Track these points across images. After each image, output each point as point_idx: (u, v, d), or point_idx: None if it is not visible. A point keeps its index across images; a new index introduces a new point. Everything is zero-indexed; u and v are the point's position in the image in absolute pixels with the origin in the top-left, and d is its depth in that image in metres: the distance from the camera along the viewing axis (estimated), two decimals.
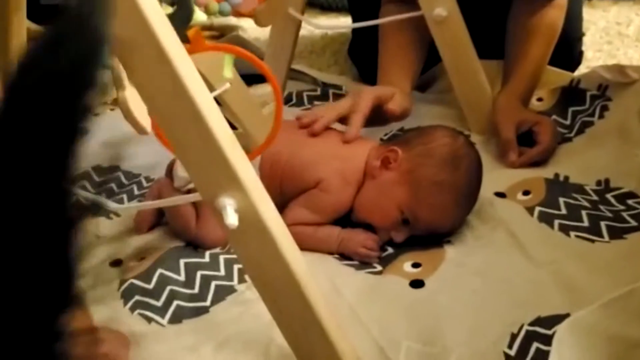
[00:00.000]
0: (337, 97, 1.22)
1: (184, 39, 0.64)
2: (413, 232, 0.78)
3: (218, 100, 0.77)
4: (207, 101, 0.52)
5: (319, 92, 1.24)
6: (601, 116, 0.98)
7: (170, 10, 0.65)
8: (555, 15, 1.06)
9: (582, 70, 1.24)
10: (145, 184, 0.97)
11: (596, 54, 1.36)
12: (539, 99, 1.09)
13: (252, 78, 0.94)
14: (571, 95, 1.05)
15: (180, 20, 0.65)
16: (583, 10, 1.24)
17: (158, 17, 0.49)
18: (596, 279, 0.69)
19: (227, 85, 0.77)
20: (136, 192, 0.96)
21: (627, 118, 0.94)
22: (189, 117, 0.50)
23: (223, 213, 0.51)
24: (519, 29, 1.07)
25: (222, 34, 1.49)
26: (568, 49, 1.16)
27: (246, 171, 0.53)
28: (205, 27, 1.42)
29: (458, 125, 1.06)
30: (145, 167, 1.00)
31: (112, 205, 0.82)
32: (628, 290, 0.64)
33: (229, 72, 0.70)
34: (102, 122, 1.07)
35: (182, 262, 0.76)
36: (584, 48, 1.27)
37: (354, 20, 1.35)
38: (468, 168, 0.79)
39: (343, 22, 1.74)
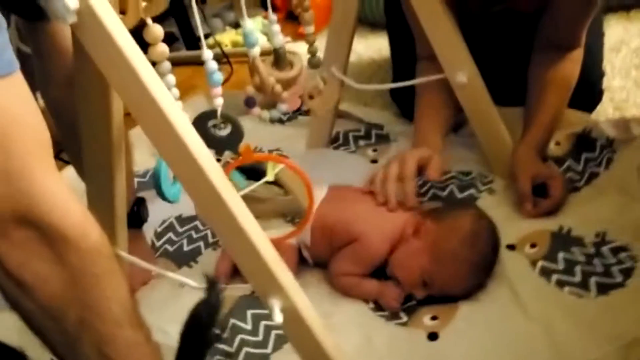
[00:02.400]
0: (379, 137, 1.39)
1: (237, 153, 0.83)
2: (431, 293, 0.95)
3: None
4: (253, 225, 0.71)
5: (362, 133, 1.41)
6: (606, 167, 1.11)
7: (227, 132, 0.84)
8: (570, 68, 1.18)
9: (605, 103, 1.35)
10: None
11: (622, 81, 1.44)
12: (557, 143, 1.22)
13: None
14: (584, 142, 1.18)
15: (235, 139, 0.84)
16: (617, 25, 1.31)
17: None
18: (580, 335, 0.85)
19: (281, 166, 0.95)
20: (210, 239, 1.17)
21: (627, 173, 1.07)
22: (241, 239, 0.69)
23: (272, 313, 0.71)
24: (537, 80, 1.19)
25: None
26: (589, 90, 1.28)
27: (288, 278, 0.72)
28: None
29: (484, 168, 1.22)
30: None
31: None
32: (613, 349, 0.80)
33: (271, 176, 0.88)
34: None
35: (249, 313, 0.97)
36: (611, 71, 1.36)
37: (391, 40, 1.49)
38: (485, 247, 0.95)
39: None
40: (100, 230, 0.64)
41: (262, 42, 0.88)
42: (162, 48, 0.69)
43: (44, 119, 0.61)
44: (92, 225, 0.63)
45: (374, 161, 1.32)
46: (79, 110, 0.74)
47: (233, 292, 1.02)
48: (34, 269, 0.61)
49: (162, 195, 0.77)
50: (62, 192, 0.61)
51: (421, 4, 1.09)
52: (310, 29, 0.95)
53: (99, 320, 0.64)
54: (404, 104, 1.43)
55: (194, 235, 1.18)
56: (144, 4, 0.66)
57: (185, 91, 1.74)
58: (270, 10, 0.90)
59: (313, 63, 0.96)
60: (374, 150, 1.35)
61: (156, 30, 0.68)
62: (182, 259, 1.13)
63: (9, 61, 0.57)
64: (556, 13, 1.15)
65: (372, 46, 1.85)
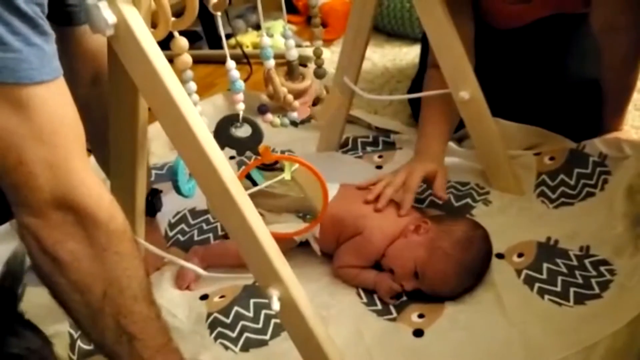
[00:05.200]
0: (386, 144, 1.47)
1: (256, 153, 0.91)
2: (419, 287, 1.03)
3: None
4: (260, 223, 0.78)
5: (370, 139, 1.49)
6: (602, 189, 1.18)
7: (248, 134, 0.92)
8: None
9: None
10: None
11: None
12: (552, 158, 1.28)
13: None
14: (577, 157, 1.24)
15: (255, 140, 0.91)
16: None
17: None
18: (555, 340, 0.92)
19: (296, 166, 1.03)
20: (219, 232, 1.25)
21: (616, 192, 1.13)
22: (246, 233, 0.77)
23: (271, 302, 0.79)
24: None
25: None
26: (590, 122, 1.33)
27: (287, 271, 0.80)
28: None
29: (481, 180, 1.29)
30: None
31: None
32: (575, 352, 0.88)
33: (288, 175, 0.96)
34: None
35: (251, 301, 1.05)
36: None
37: (423, 49, 1.53)
38: (476, 253, 1.03)
39: (405, 52, 1.96)
40: (124, 215, 0.73)
41: (282, 45, 0.95)
42: (186, 58, 0.77)
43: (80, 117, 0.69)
44: (118, 210, 0.72)
45: (379, 167, 1.39)
46: (109, 110, 0.83)
47: (238, 281, 1.10)
48: (67, 247, 0.69)
49: (178, 190, 0.85)
50: (94, 181, 0.69)
51: (431, 26, 1.17)
52: (319, 43, 1.03)
53: (119, 294, 0.72)
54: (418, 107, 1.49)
55: (204, 227, 1.27)
56: (173, 19, 0.73)
57: (205, 88, 1.83)
58: (286, 26, 0.97)
59: (319, 74, 1.03)
60: (380, 157, 1.42)
61: (182, 43, 0.76)
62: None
63: (56, 67, 0.65)
64: None
65: (387, 55, 1.92)
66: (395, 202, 1.14)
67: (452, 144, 1.37)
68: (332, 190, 1.12)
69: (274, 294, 0.79)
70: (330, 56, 1.88)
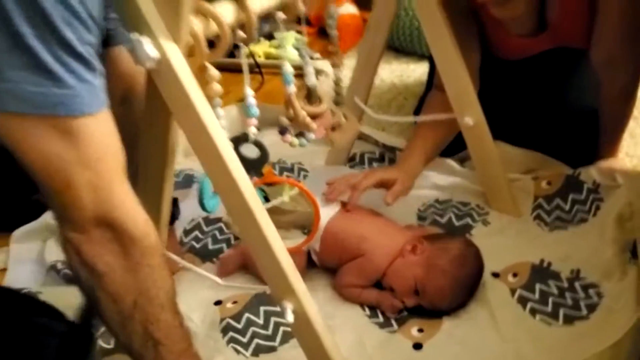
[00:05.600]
0: (391, 160, 1.54)
1: (260, 174, 0.98)
2: (420, 303, 1.10)
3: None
4: (276, 237, 0.85)
5: (377, 155, 1.56)
6: (594, 215, 1.25)
7: (255, 155, 0.99)
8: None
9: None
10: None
11: None
12: (548, 183, 1.36)
13: None
14: (572, 184, 1.31)
15: (262, 161, 0.98)
16: None
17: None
18: (545, 357, 0.99)
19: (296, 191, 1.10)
20: (232, 241, 1.32)
21: (607, 219, 1.21)
22: (265, 249, 0.84)
23: (285, 313, 0.86)
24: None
25: None
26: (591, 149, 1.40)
27: (301, 285, 0.87)
28: None
29: (481, 201, 1.36)
30: None
31: None
32: None
33: (287, 197, 1.03)
34: None
35: (261, 309, 1.12)
36: None
37: (431, 69, 1.58)
38: (470, 270, 1.11)
39: (412, 69, 2.03)
40: (156, 231, 0.80)
41: (294, 57, 1.01)
42: (217, 87, 0.84)
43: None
44: (151, 227, 0.79)
45: None
46: (142, 129, 0.89)
47: (249, 290, 1.17)
48: (105, 260, 0.76)
49: (203, 206, 0.92)
50: (132, 201, 0.76)
51: (439, 53, 1.24)
52: (338, 70, 1.11)
53: (148, 303, 0.79)
54: None
55: (218, 236, 1.34)
56: (207, 51, 0.80)
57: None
58: (306, 55, 1.04)
59: (338, 101, 1.11)
60: None
61: (214, 73, 0.83)
62: (206, 256, 1.29)
63: (103, 100, 0.72)
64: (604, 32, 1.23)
65: (395, 72, 1.99)
66: (393, 223, 1.22)
67: (454, 165, 1.45)
68: (333, 210, 1.20)
69: (288, 307, 0.86)
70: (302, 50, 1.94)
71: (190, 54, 0.80)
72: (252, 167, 0.93)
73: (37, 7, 0.63)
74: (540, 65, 1.36)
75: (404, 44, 2.11)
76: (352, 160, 1.55)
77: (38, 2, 0.63)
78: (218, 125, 0.80)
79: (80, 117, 0.69)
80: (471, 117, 1.26)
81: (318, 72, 1.86)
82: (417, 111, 1.59)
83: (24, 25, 0.63)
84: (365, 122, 1.64)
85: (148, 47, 0.74)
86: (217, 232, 1.35)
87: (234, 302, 1.15)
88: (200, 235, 1.34)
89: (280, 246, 0.86)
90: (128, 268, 0.77)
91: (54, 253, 1.33)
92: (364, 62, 1.38)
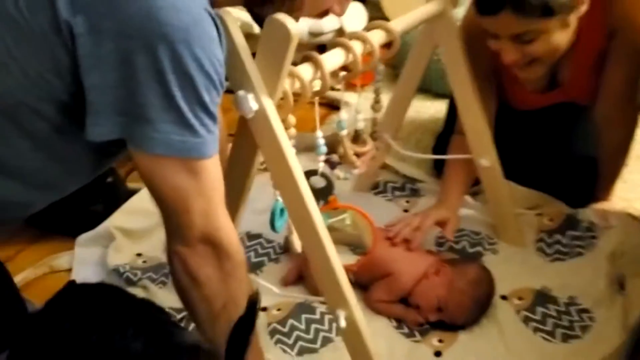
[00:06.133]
0: (412, 190, 1.74)
1: (326, 202, 1.18)
2: (442, 319, 1.29)
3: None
4: (335, 255, 1.04)
5: (399, 185, 1.76)
6: (590, 250, 1.45)
7: (322, 185, 1.18)
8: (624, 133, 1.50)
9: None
10: (278, 249, 1.52)
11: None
12: (550, 219, 1.56)
13: None
14: (571, 222, 1.52)
15: (327, 191, 1.18)
16: None
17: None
18: None
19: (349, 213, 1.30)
20: (272, 255, 1.51)
21: (601, 255, 1.41)
22: (325, 264, 1.03)
23: (338, 320, 1.04)
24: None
25: None
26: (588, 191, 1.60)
27: (352, 297, 1.06)
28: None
29: (491, 232, 1.56)
30: (280, 236, 1.55)
31: None
32: None
33: (349, 220, 1.22)
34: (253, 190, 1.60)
35: (303, 316, 1.30)
36: None
37: (450, 113, 1.77)
38: (484, 291, 1.30)
39: (428, 106, 2.23)
40: (242, 249, 0.98)
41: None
42: (293, 132, 1.03)
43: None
44: (240, 246, 0.97)
45: (406, 210, 1.66)
46: (229, 163, 1.08)
47: (292, 299, 1.36)
48: (205, 270, 0.94)
49: (273, 226, 1.10)
50: (230, 224, 0.94)
51: (462, 103, 1.44)
52: (377, 115, 1.31)
53: (234, 307, 0.97)
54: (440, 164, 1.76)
55: (260, 251, 1.52)
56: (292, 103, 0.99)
57: None
58: (355, 107, 1.23)
59: (375, 138, 1.31)
60: (407, 202, 1.70)
61: (292, 121, 1.02)
62: (250, 268, 1.47)
63: (218, 143, 0.91)
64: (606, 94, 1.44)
65: (414, 107, 2.15)
66: (420, 248, 1.41)
67: (468, 198, 1.64)
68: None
69: (341, 315, 1.05)
70: (358, 101, 2.14)
71: (279, 105, 0.99)
72: (321, 195, 1.12)
73: (188, 77, 0.81)
74: (549, 117, 1.57)
75: (420, 83, 2.30)
76: (376, 188, 1.74)
77: (190, 74, 0.81)
78: (298, 164, 0.99)
79: (204, 159, 0.87)
80: (487, 159, 1.46)
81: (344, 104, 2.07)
82: (435, 148, 1.80)
83: (177, 90, 0.81)
84: (388, 154, 1.84)
85: (251, 101, 0.93)
86: (258, 247, 1.54)
87: (279, 310, 1.34)
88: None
89: (338, 262, 1.04)
90: (222, 278, 0.95)
91: (115, 257, 1.51)
92: (396, 104, 1.57)
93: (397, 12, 2.29)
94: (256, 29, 0.97)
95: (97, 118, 0.84)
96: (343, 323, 1.05)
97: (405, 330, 1.31)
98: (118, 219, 1.61)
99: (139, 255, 1.55)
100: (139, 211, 1.65)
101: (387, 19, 2.20)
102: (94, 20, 0.79)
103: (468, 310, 1.28)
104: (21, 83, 0.84)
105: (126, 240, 1.57)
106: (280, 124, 0.97)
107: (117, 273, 1.45)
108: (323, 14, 0.99)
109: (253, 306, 0.78)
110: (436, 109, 2.20)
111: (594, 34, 1.33)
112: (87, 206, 1.63)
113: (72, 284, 0.98)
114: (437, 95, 2.27)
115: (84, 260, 1.53)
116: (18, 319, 1.15)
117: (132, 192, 1.70)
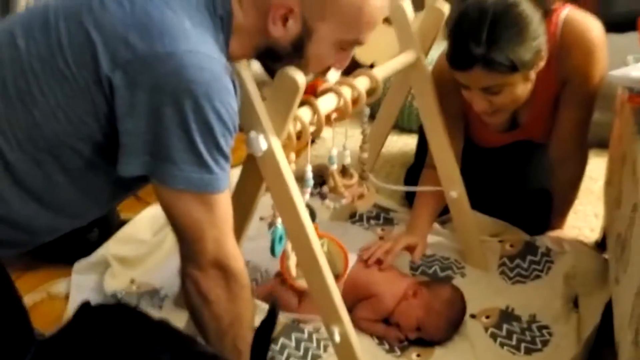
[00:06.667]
0: (386, 219, 1.89)
1: None
2: (421, 336, 1.43)
3: None
4: (330, 276, 1.17)
5: (374, 214, 1.90)
6: (547, 273, 1.62)
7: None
8: (573, 169, 1.69)
9: None
10: (264, 275, 1.64)
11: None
12: (511, 245, 1.73)
13: None
14: (530, 248, 1.69)
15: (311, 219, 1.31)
16: None
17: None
18: None
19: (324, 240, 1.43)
20: (260, 280, 1.63)
21: (556, 277, 1.58)
22: (321, 284, 1.16)
23: (333, 336, 1.17)
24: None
25: None
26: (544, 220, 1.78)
27: (345, 314, 1.19)
28: None
29: (459, 257, 1.72)
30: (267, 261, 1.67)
31: None
32: None
33: (325, 247, 1.36)
34: None
35: (293, 335, 1.42)
36: None
37: (420, 139, 1.96)
38: (457, 310, 1.45)
39: (395, 140, 2.40)
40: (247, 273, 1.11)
41: None
42: (292, 167, 1.17)
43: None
44: (246, 270, 1.09)
45: (381, 238, 1.80)
46: (234, 201, 1.20)
47: (281, 319, 1.48)
48: (215, 291, 1.05)
49: (273, 251, 1.23)
50: (237, 250, 1.06)
51: (434, 141, 1.61)
52: (365, 155, 1.46)
53: (239, 325, 1.09)
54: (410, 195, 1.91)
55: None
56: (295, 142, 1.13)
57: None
58: (343, 144, 1.38)
59: (364, 177, 1.46)
60: (382, 230, 1.84)
61: (292, 157, 1.16)
62: None
63: (229, 179, 1.03)
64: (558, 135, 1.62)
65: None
66: (395, 272, 1.55)
67: (438, 226, 1.80)
68: (352, 260, 1.53)
69: (336, 330, 1.18)
70: (332, 136, 2.29)
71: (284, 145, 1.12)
72: None
73: (208, 125, 0.94)
74: (510, 153, 1.75)
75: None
76: (353, 217, 1.89)
77: (209, 122, 0.93)
78: (300, 197, 1.13)
79: (218, 193, 1.00)
80: (456, 191, 1.63)
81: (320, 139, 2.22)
82: (407, 180, 1.97)
83: (198, 136, 0.94)
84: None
85: (262, 142, 1.06)
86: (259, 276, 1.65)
87: None
88: None
89: (333, 283, 1.18)
90: (230, 298, 1.07)
91: (111, 283, 1.61)
92: (373, 141, 1.72)
93: (368, 57, 2.48)
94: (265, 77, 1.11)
95: (128, 157, 0.97)
96: (338, 338, 1.18)
97: (387, 346, 1.44)
98: (113, 246, 1.71)
99: (132, 281, 1.65)
100: (131, 239, 1.76)
101: (358, 64, 2.42)
102: (131, 75, 0.92)
103: (443, 329, 1.43)
104: (65, 127, 0.97)
105: (121, 267, 1.67)
106: (286, 161, 1.10)
107: (115, 298, 1.55)
108: (326, 70, 1.13)
109: (273, 310, 0.91)
110: (404, 142, 2.38)
111: (549, 82, 1.51)
112: (82, 234, 1.72)
113: (87, 304, 1.09)
114: (404, 130, 2.46)
115: (81, 287, 1.62)
116: (26, 343, 1.24)
117: (124, 222, 1.80)
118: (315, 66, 1.09)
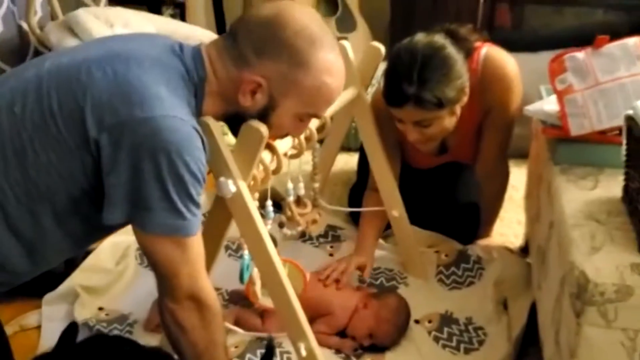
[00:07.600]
0: (334, 237, 2.05)
1: None
2: (373, 342, 1.60)
3: None
4: (295, 296, 1.32)
5: (323, 232, 2.07)
6: (479, 279, 1.83)
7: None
8: (497, 185, 1.92)
9: None
10: (225, 296, 1.78)
11: None
12: (446, 255, 1.93)
13: None
14: (463, 256, 1.89)
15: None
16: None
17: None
18: None
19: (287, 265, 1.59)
20: (222, 302, 1.76)
21: (488, 282, 1.79)
22: (287, 303, 1.31)
23: (299, 351, 1.33)
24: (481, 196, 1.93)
25: None
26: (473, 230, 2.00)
27: (309, 330, 1.34)
28: None
29: (402, 269, 1.90)
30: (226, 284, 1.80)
31: None
32: None
33: (287, 270, 1.51)
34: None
35: (258, 351, 1.57)
36: None
37: (361, 158, 2.14)
38: (403, 316, 1.63)
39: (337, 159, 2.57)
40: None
41: None
42: (270, 207, 1.32)
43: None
44: (217, 299, 1.23)
45: (331, 254, 1.97)
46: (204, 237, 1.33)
47: (245, 337, 1.62)
48: (189, 320, 1.18)
49: (242, 278, 1.37)
50: (208, 283, 1.18)
51: (376, 166, 1.79)
52: (316, 185, 1.62)
53: (214, 348, 1.22)
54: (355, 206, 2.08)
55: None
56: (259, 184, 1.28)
57: None
58: (297, 177, 1.53)
59: (316, 204, 1.62)
60: (331, 247, 2.01)
61: (255, 196, 1.31)
62: None
63: (199, 225, 1.16)
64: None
65: None
66: (350, 285, 1.72)
67: (381, 241, 1.98)
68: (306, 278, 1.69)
69: (302, 346, 1.33)
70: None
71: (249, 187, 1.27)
72: None
73: (180, 178, 1.07)
74: (441, 173, 1.96)
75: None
76: (303, 236, 2.05)
77: (181, 175, 1.07)
78: (266, 230, 1.28)
79: (190, 236, 1.13)
80: (397, 210, 1.82)
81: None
82: (350, 198, 2.15)
83: (171, 186, 1.07)
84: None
85: (231, 185, 1.20)
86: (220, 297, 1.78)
87: (236, 347, 1.60)
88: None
89: (298, 304, 1.33)
90: (204, 326, 1.19)
91: (81, 313, 1.70)
92: (322, 165, 1.88)
93: None
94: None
95: (112, 207, 1.10)
96: (304, 352, 1.33)
97: (343, 355, 1.61)
98: (79, 277, 1.81)
99: (100, 309, 1.75)
100: (96, 269, 1.86)
101: None
102: (115, 137, 1.06)
103: (392, 334, 1.61)
104: (57, 181, 1.10)
105: (88, 296, 1.76)
106: (253, 201, 1.25)
107: (88, 326, 1.65)
108: (284, 136, 1.29)
109: (271, 346, 1.06)
110: (344, 161, 2.55)
111: (473, 112, 1.72)
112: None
113: (74, 324, 1.23)
114: (343, 149, 2.61)
115: (52, 317, 1.71)
116: None
117: (88, 253, 1.90)
118: (276, 133, 1.24)
